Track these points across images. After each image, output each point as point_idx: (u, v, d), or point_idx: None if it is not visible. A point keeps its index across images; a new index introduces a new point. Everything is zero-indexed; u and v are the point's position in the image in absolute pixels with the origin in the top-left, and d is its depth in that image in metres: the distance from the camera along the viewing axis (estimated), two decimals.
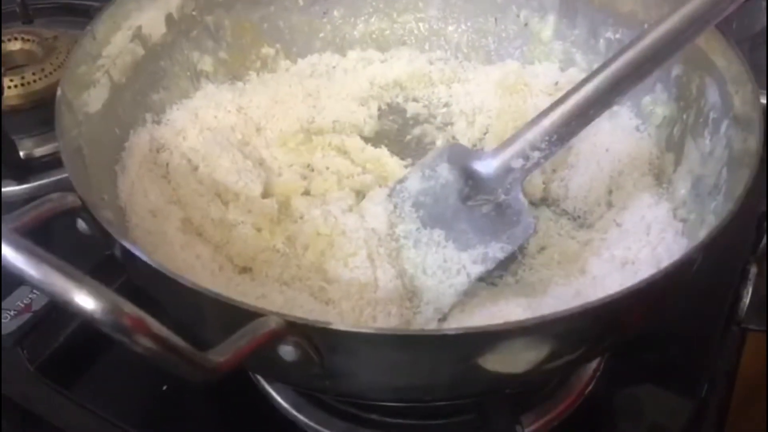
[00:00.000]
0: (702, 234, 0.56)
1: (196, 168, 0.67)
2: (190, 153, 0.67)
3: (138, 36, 0.66)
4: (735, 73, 0.59)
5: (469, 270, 0.60)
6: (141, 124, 0.67)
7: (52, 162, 0.77)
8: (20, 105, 0.80)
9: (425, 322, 0.58)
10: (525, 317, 0.45)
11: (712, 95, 0.61)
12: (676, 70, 0.66)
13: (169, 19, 0.69)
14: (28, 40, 0.85)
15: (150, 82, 0.68)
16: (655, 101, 0.69)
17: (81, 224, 0.47)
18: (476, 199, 0.62)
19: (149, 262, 0.43)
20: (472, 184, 0.63)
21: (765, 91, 0.68)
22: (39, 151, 0.79)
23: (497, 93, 0.75)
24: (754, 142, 0.52)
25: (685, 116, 0.65)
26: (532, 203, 0.67)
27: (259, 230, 0.63)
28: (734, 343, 0.65)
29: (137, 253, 0.43)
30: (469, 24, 0.80)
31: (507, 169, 0.62)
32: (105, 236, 0.45)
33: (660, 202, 0.63)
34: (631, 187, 0.66)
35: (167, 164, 0.66)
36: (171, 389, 0.61)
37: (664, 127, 0.68)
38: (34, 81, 0.81)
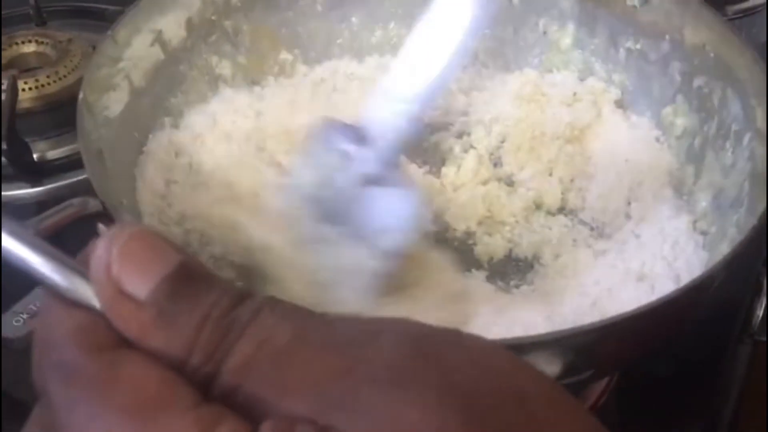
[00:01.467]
0: (723, 248, 0.56)
1: (212, 173, 0.67)
2: (207, 158, 0.67)
3: (158, 40, 0.66)
4: (758, 86, 0.58)
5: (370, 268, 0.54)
6: (160, 129, 0.67)
7: (66, 165, 0.77)
8: (34, 107, 0.80)
9: None
10: (545, 328, 0.44)
11: (735, 107, 0.61)
12: (698, 81, 0.66)
13: (189, 23, 0.69)
14: (42, 42, 0.86)
15: (169, 86, 0.68)
16: (675, 112, 0.68)
17: (102, 228, 0.47)
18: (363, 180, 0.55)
19: None
20: (354, 164, 0.55)
21: None
22: (52, 154, 0.79)
23: (515, 102, 0.75)
24: None
25: (706, 128, 0.65)
26: (550, 213, 0.67)
27: None
28: (746, 356, 0.65)
29: None
30: (487, 32, 0.80)
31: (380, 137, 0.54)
32: None
33: (680, 215, 0.63)
34: (651, 199, 0.66)
35: (187, 167, 0.66)
36: None
37: (685, 138, 0.67)
38: (48, 84, 0.81)
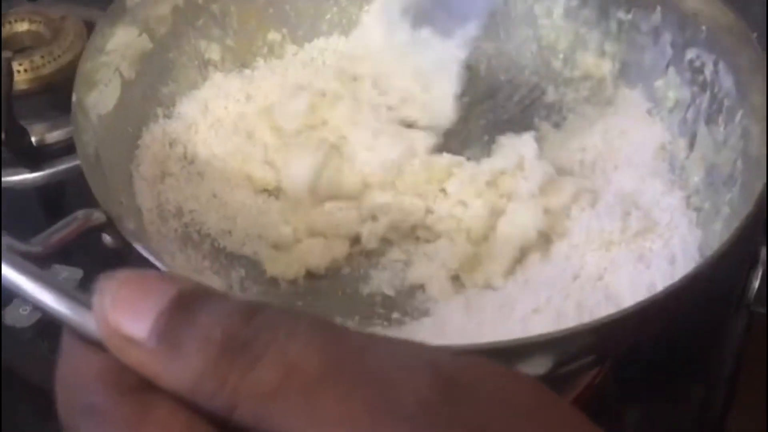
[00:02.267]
0: (717, 227, 0.57)
1: (207, 162, 0.67)
2: (201, 147, 0.67)
3: (145, 29, 0.65)
4: (750, 61, 0.59)
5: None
6: (153, 120, 0.66)
7: (65, 149, 0.76)
8: (29, 89, 0.79)
9: None
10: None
11: (727, 82, 0.61)
12: (690, 54, 0.66)
13: (175, 9, 0.68)
14: (35, 21, 0.84)
15: (159, 75, 0.68)
16: (668, 84, 0.68)
17: (106, 238, 0.47)
18: None
19: None
20: None
21: None
22: (51, 137, 0.77)
23: None
24: None
25: (698, 101, 0.65)
26: None
27: None
28: (742, 327, 0.66)
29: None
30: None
31: None
32: (142, 261, 0.45)
33: (673, 190, 0.64)
34: (644, 171, 0.66)
35: (182, 158, 0.66)
36: None
37: (677, 111, 0.67)
38: (43, 65, 0.80)
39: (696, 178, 0.63)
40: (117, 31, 0.62)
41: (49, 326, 0.63)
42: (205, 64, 0.72)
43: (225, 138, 0.68)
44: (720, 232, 0.56)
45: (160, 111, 0.67)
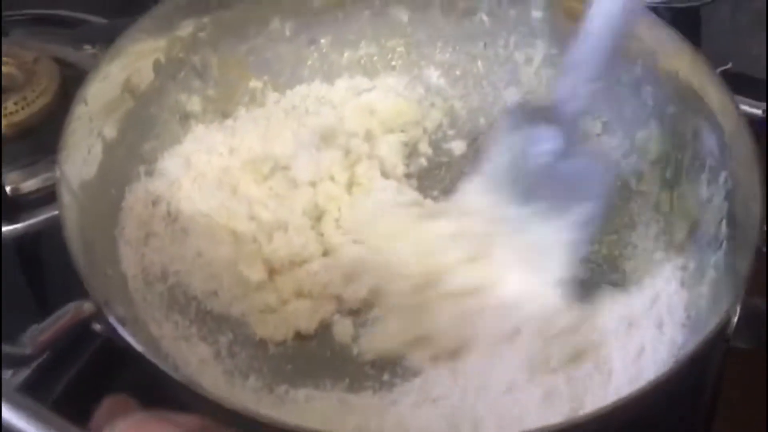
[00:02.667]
0: (703, 290, 0.58)
1: (192, 219, 0.66)
2: (185, 203, 0.66)
3: (127, 88, 0.64)
4: (733, 126, 0.59)
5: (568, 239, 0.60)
6: (135, 179, 0.65)
7: (42, 198, 0.74)
8: (2, 136, 0.77)
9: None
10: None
11: (709, 141, 0.62)
12: (671, 109, 0.67)
13: (156, 64, 0.67)
14: (7, 62, 0.81)
15: (141, 132, 0.67)
16: (648, 137, 0.69)
17: (96, 327, 0.46)
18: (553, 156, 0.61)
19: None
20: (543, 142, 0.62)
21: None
22: (26, 186, 0.75)
23: None
24: (756, 211, 0.53)
25: (680, 156, 0.66)
26: None
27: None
28: (719, 361, 0.67)
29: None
30: (457, 47, 0.79)
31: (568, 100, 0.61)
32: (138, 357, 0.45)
33: (658, 246, 0.64)
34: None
35: (166, 216, 0.65)
36: None
37: (659, 163, 0.68)
38: (16, 111, 0.77)
39: (680, 234, 0.64)
40: (99, 94, 0.61)
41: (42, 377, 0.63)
42: (186, 117, 0.71)
43: (209, 193, 0.68)
44: (706, 296, 0.57)
45: (142, 169, 0.66)
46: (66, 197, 0.54)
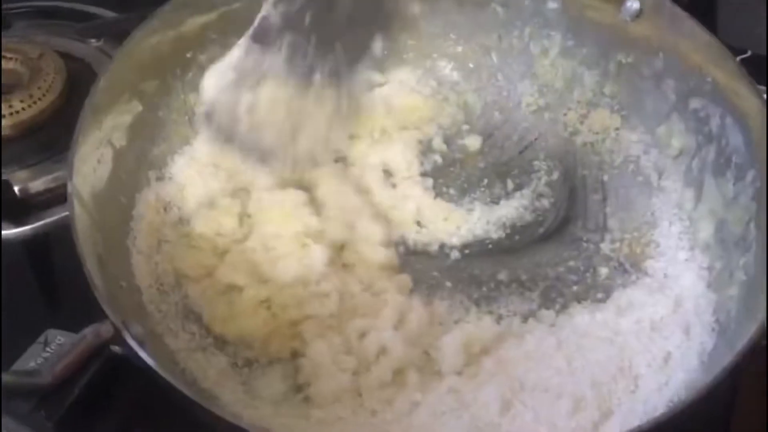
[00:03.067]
0: (732, 291, 0.57)
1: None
2: (193, 208, 0.65)
3: (134, 93, 0.63)
4: (760, 123, 0.58)
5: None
6: (146, 185, 0.64)
7: (50, 199, 0.72)
8: (9, 135, 0.75)
9: None
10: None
11: (735, 138, 0.60)
12: (694, 103, 0.65)
13: (164, 66, 0.65)
14: (11, 58, 0.79)
15: (150, 136, 0.65)
16: (670, 131, 0.67)
17: (115, 348, 0.45)
18: None
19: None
20: None
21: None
22: (35, 186, 0.73)
23: None
24: None
25: (704, 152, 0.64)
26: None
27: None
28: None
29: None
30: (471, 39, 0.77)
31: None
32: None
33: (682, 244, 0.63)
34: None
35: (177, 221, 0.64)
36: None
37: (682, 159, 0.67)
38: (23, 109, 0.75)
39: (704, 232, 0.62)
40: (107, 101, 0.59)
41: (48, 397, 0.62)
42: (194, 118, 0.69)
43: (217, 196, 0.66)
44: (736, 300, 0.56)
45: (152, 174, 0.65)
46: (77, 209, 0.52)
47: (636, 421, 0.51)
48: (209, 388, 0.54)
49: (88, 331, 0.43)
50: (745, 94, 0.59)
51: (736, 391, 0.60)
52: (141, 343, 0.45)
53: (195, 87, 0.68)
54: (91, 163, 0.57)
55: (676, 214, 0.66)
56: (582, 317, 0.60)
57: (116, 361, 0.47)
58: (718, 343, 0.55)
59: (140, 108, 0.63)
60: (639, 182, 0.68)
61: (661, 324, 0.58)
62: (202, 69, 0.69)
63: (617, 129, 0.71)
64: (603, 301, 0.62)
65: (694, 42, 0.64)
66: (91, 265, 0.49)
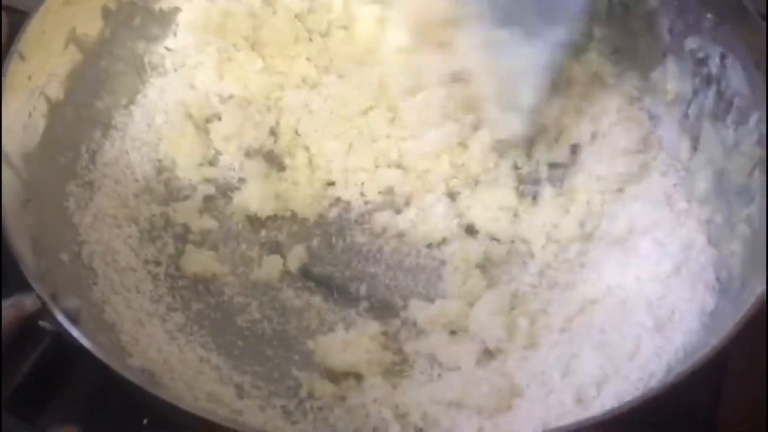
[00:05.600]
0: (734, 246, 0.52)
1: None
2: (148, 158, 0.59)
3: (73, 39, 0.56)
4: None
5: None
6: (88, 142, 0.57)
7: None
8: None
9: None
10: None
11: (737, 79, 0.55)
12: (690, 43, 0.59)
13: (105, 11, 0.59)
14: None
15: (92, 88, 0.59)
16: (664, 75, 0.62)
17: (45, 324, 0.40)
18: None
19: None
20: None
21: None
22: None
23: None
24: None
25: (701, 96, 0.59)
26: None
27: None
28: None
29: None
30: None
31: None
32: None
33: (675, 196, 0.58)
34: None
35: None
36: (153, 424, 0.54)
37: (677, 105, 0.61)
38: None
39: (702, 184, 0.57)
40: (39, 48, 0.53)
41: None
42: (144, 68, 0.63)
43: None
44: (739, 255, 0.51)
45: (97, 130, 0.59)
46: (4, 170, 0.46)
47: (631, 389, 0.47)
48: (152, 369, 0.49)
49: (8, 304, 0.37)
50: (750, 26, 0.54)
51: (723, 375, 0.56)
52: (72, 318, 0.39)
53: (143, 34, 0.62)
54: (20, 118, 0.50)
55: (671, 164, 0.60)
56: None
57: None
58: (720, 303, 0.50)
59: (80, 57, 0.57)
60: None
61: (658, 283, 0.53)
62: (150, 14, 0.63)
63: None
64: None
65: None
66: (15, 234, 0.43)
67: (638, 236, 0.56)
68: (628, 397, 0.45)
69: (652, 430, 0.51)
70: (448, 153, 0.61)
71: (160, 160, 0.61)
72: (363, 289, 0.57)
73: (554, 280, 0.57)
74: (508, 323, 0.53)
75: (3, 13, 0.71)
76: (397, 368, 0.53)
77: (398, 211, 0.60)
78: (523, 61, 0.58)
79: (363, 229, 0.60)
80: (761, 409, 0.53)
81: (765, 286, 0.43)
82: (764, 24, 0.53)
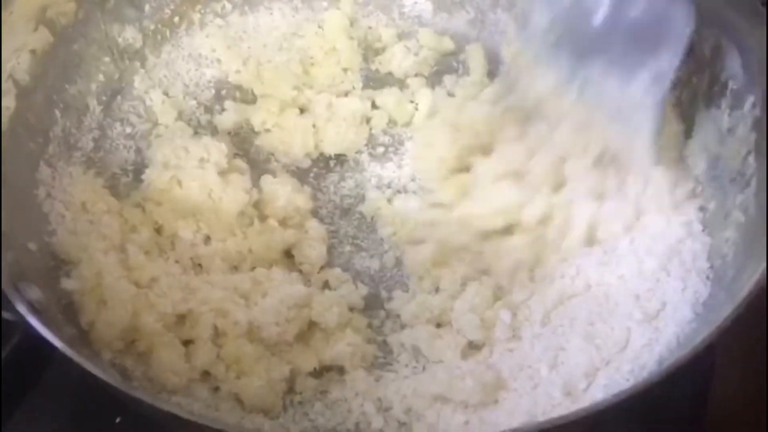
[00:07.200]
0: (728, 234, 0.50)
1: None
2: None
3: (42, 21, 0.54)
4: (762, 41, 0.50)
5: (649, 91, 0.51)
6: (59, 127, 0.56)
7: None
8: None
9: None
10: None
11: (732, 62, 0.53)
12: None
13: None
14: None
15: (63, 72, 0.57)
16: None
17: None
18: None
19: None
20: None
21: None
22: None
23: None
24: None
25: (695, 80, 0.57)
26: None
27: None
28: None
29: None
30: None
31: None
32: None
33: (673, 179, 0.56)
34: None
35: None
36: (126, 422, 0.52)
37: (670, 89, 0.59)
38: None
39: (697, 169, 0.56)
40: (6, 29, 0.50)
41: None
42: (120, 53, 0.61)
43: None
44: (733, 243, 0.49)
45: (68, 116, 0.56)
46: None
47: (622, 381, 0.46)
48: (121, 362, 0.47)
49: None
50: (744, 8, 0.52)
51: (713, 367, 0.55)
52: (34, 309, 0.37)
53: (118, 17, 0.60)
54: None
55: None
56: None
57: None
58: (713, 292, 0.49)
59: (51, 39, 0.55)
60: None
61: (650, 272, 0.51)
62: None
63: None
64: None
65: None
66: None
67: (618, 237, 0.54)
68: (619, 389, 0.43)
69: (643, 421, 0.50)
70: None
71: (138, 149, 0.59)
72: None
73: (534, 272, 0.55)
74: (491, 316, 0.51)
75: None
76: (381, 361, 0.52)
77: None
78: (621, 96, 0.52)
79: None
80: (754, 400, 0.52)
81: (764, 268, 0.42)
82: (762, 6, 0.51)
